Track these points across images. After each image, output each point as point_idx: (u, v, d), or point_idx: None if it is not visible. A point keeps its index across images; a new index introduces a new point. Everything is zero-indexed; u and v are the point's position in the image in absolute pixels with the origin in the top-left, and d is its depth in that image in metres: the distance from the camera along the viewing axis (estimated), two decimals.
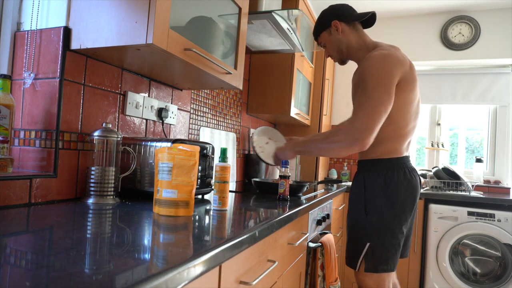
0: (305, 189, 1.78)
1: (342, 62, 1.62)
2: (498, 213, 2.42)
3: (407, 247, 1.58)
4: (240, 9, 1.54)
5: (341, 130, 1.37)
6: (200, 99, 1.95)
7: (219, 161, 1.19)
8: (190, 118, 1.86)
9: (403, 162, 1.47)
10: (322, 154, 1.47)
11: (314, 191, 1.96)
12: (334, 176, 3.38)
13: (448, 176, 2.75)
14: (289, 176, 1.50)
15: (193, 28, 1.25)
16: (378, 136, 1.34)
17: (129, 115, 1.42)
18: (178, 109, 1.74)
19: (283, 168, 1.50)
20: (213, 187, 1.32)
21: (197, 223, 0.94)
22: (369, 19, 1.53)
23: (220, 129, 2.21)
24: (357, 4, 3.15)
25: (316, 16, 3.21)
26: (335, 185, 2.61)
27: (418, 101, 1.50)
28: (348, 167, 3.44)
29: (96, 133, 1.14)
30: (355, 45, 1.53)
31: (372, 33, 3.50)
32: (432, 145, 3.34)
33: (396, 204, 1.42)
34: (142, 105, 1.46)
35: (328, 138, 1.40)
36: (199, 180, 1.32)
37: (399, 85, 1.37)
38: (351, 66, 1.80)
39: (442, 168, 2.82)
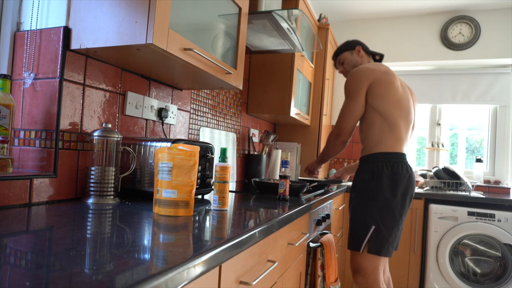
0: (305, 189, 1.78)
1: None
2: (498, 213, 2.42)
3: (398, 241, 1.81)
4: (240, 9, 1.54)
5: (329, 135, 1.84)
6: (200, 99, 1.95)
7: (219, 161, 1.19)
8: (190, 118, 1.85)
9: (404, 158, 1.73)
10: (329, 155, 1.89)
11: (314, 191, 1.96)
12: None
13: (448, 176, 2.75)
14: (289, 176, 1.50)
15: (195, 29, 1.25)
16: (376, 133, 1.72)
17: (129, 115, 1.42)
18: (178, 109, 1.74)
19: (283, 168, 1.50)
20: (213, 187, 1.32)
21: (197, 223, 0.94)
22: (379, 58, 2.01)
23: (220, 129, 2.21)
24: (358, 4, 3.15)
25: (316, 16, 3.21)
26: (335, 185, 2.60)
27: (404, 98, 1.76)
28: None
29: (96, 133, 1.14)
30: None
31: (373, 33, 3.50)
32: (432, 145, 3.34)
33: (398, 191, 1.65)
34: (142, 105, 1.46)
35: (325, 145, 1.88)
36: (199, 180, 1.32)
37: (373, 87, 1.72)
38: None
39: (442, 168, 2.82)
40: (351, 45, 1.99)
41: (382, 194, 1.65)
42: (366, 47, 2.01)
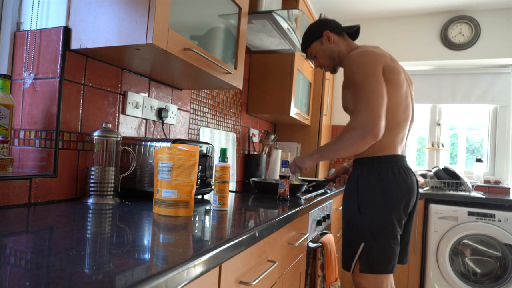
0: (304, 189, 1.78)
1: (334, 70, 1.67)
2: (498, 213, 2.42)
3: (406, 253, 1.58)
4: (240, 9, 1.54)
5: (349, 127, 1.38)
6: (200, 99, 1.95)
7: (219, 161, 1.19)
8: (190, 118, 1.85)
9: (398, 161, 1.47)
10: (339, 155, 1.44)
11: (314, 191, 1.96)
12: None
13: (448, 176, 2.75)
14: (289, 176, 1.50)
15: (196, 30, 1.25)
16: None
17: (129, 115, 1.42)
18: (178, 109, 1.74)
19: (283, 168, 1.50)
20: (213, 187, 1.32)
21: (197, 223, 0.94)
22: (354, 31, 1.63)
23: (220, 129, 2.21)
24: (358, 4, 3.15)
25: (316, 16, 3.21)
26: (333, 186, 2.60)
27: (405, 94, 1.50)
28: None
29: (96, 133, 1.14)
30: (345, 52, 1.58)
31: (373, 33, 3.50)
32: (432, 145, 3.34)
33: (390, 202, 1.42)
34: (142, 105, 1.46)
35: (340, 138, 1.41)
36: (199, 180, 1.32)
37: (384, 76, 1.41)
38: None
39: (443, 168, 2.82)
40: (316, 33, 1.60)
41: (370, 207, 1.43)
42: (335, 25, 1.60)
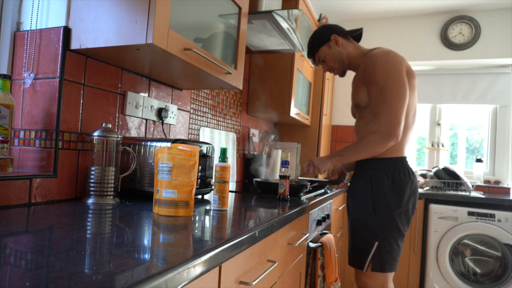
0: (305, 189, 1.78)
1: (343, 73, 1.71)
2: (498, 213, 2.42)
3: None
4: (240, 9, 1.54)
5: (370, 131, 1.43)
6: (200, 99, 1.95)
7: (219, 161, 1.19)
8: (190, 118, 1.85)
9: (405, 162, 1.54)
10: (359, 157, 1.50)
11: (314, 191, 1.96)
12: None
13: (448, 176, 2.75)
14: (289, 176, 1.50)
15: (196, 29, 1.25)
16: None
17: (129, 115, 1.42)
18: (178, 109, 1.74)
19: (283, 168, 1.50)
20: (213, 187, 1.32)
21: (197, 223, 0.94)
22: (358, 34, 1.67)
23: (220, 129, 2.21)
24: (358, 4, 3.15)
25: (316, 16, 3.21)
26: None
27: (415, 97, 1.56)
28: None
29: (96, 133, 1.14)
30: (354, 54, 1.62)
31: (373, 33, 3.50)
32: (432, 145, 3.34)
33: (403, 202, 1.48)
34: (142, 105, 1.46)
35: (361, 141, 1.45)
36: (199, 180, 1.32)
37: None
38: None
39: (443, 168, 2.82)
40: (324, 37, 1.63)
41: (384, 207, 1.47)
42: (340, 29, 1.64)
